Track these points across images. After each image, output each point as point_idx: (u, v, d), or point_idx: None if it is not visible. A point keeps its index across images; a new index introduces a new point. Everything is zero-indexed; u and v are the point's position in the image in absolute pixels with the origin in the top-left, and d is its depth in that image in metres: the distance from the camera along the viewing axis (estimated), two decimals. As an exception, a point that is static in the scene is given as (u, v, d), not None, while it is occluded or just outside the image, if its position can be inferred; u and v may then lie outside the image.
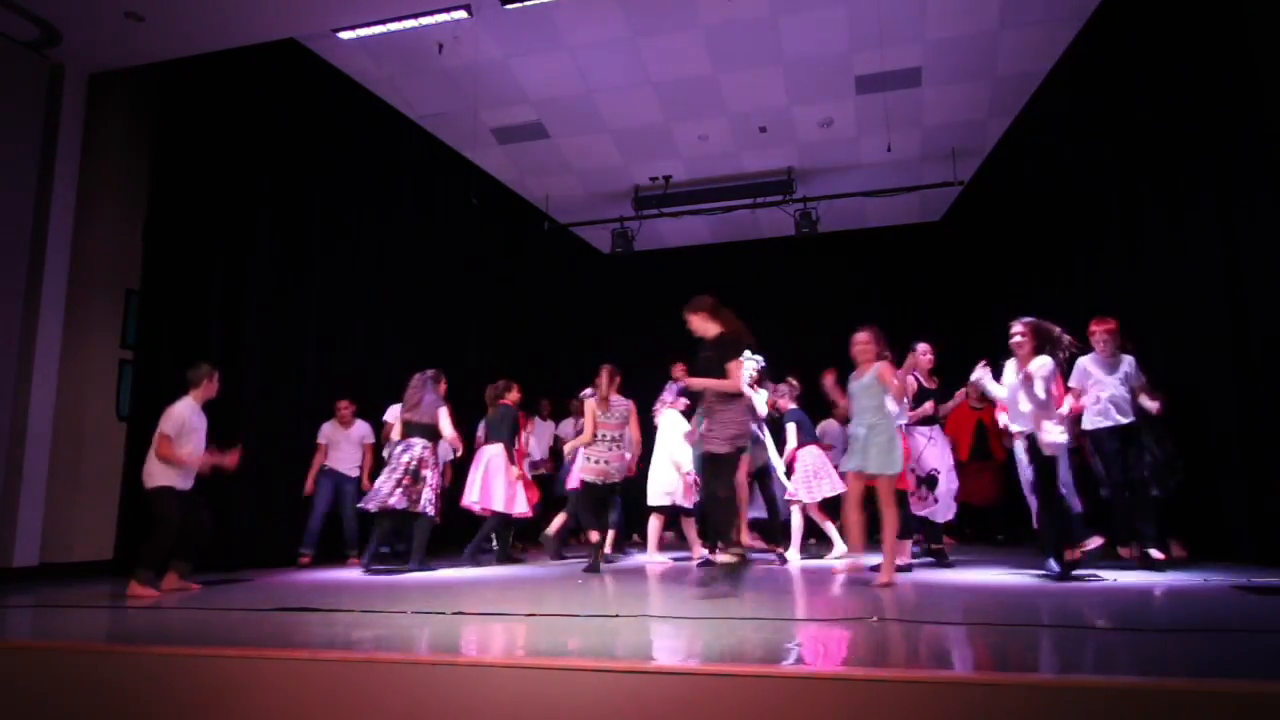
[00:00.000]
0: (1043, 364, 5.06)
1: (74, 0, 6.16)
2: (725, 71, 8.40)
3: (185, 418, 5.29)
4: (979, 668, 2.65)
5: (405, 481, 6.32)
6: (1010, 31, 7.68)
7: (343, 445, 7.37)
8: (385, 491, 6.31)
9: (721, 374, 4.66)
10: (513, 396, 7.45)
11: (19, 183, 6.51)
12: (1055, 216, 8.53)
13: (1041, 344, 5.15)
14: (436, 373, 6.83)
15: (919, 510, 6.01)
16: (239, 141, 7.29)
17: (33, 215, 6.59)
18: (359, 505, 6.79)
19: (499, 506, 7.05)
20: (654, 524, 7.30)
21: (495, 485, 7.04)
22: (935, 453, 6.06)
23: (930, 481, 5.97)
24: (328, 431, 7.37)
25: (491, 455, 7.15)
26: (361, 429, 7.46)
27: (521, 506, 7.19)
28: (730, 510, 4.66)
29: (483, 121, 9.19)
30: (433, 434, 6.55)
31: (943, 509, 6.09)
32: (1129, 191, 7.12)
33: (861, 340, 5.17)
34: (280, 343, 7.48)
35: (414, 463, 6.37)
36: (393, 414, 7.45)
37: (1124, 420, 5.67)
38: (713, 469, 4.72)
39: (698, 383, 4.71)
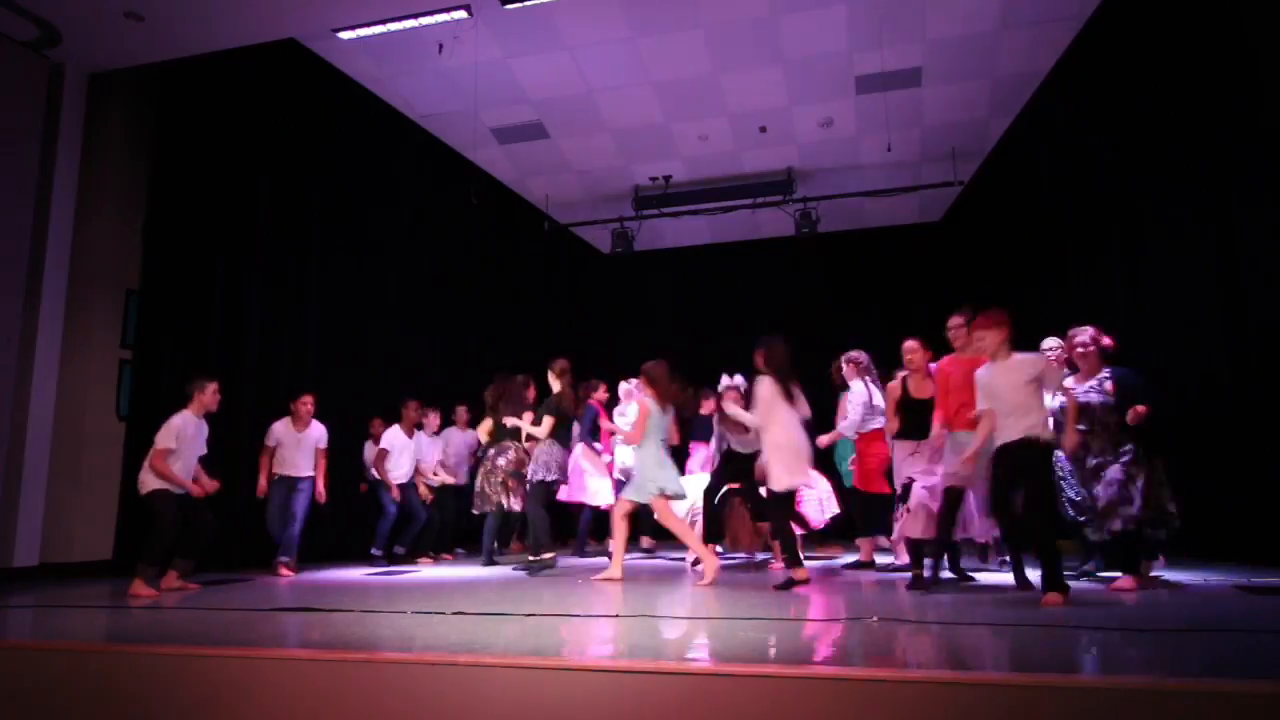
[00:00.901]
0: (762, 384, 5.13)
1: (74, 0, 6.16)
2: (725, 71, 8.40)
3: (180, 430, 5.34)
4: (979, 668, 2.65)
5: (512, 485, 6.70)
6: (1010, 31, 7.68)
7: (295, 449, 6.56)
8: (493, 496, 6.69)
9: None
10: (599, 395, 7.75)
11: (19, 183, 6.51)
12: (1055, 217, 8.53)
13: (770, 364, 5.21)
14: (526, 378, 7.08)
15: (909, 532, 5.14)
16: (239, 141, 7.29)
17: (33, 215, 6.58)
18: (474, 511, 6.92)
19: (581, 498, 7.61)
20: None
21: (580, 480, 7.52)
22: (916, 462, 5.27)
23: (903, 493, 5.29)
24: (279, 433, 6.58)
25: (578, 453, 7.56)
26: (317, 431, 6.68)
27: (598, 499, 7.61)
28: (541, 524, 6.29)
29: (483, 121, 9.19)
30: (519, 434, 6.86)
31: (910, 524, 5.05)
32: (1128, 192, 7.13)
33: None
34: (280, 342, 7.48)
35: (511, 464, 6.73)
36: (389, 439, 7.44)
37: (1010, 437, 4.29)
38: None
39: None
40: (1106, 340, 5.02)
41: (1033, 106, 8.80)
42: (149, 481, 5.29)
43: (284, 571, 6.36)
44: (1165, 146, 6.55)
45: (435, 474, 7.94)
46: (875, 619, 3.52)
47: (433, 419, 8.03)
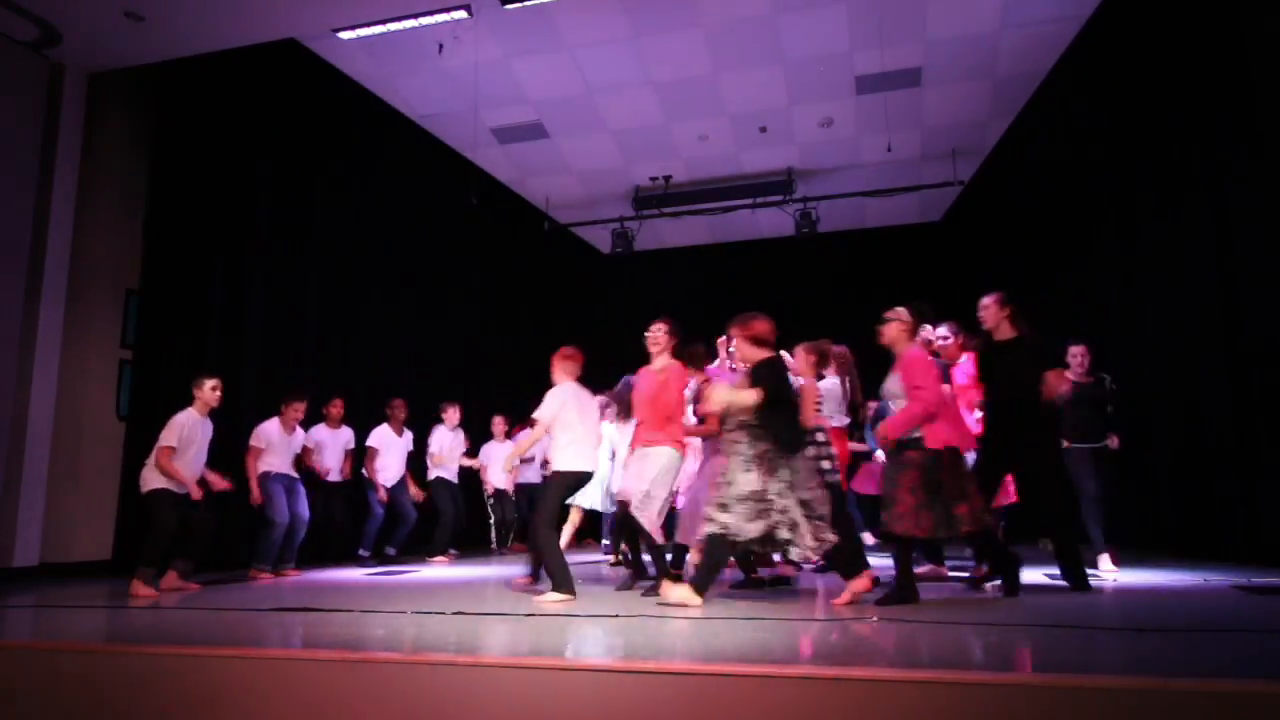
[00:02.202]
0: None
1: (74, 0, 6.16)
2: (725, 71, 8.40)
3: (185, 427, 5.35)
4: (979, 668, 2.65)
5: None
6: (1010, 31, 7.68)
7: (283, 451, 6.45)
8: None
9: None
10: None
11: (19, 183, 6.51)
12: (1054, 217, 8.53)
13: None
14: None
15: None
16: (239, 141, 7.29)
17: (33, 215, 6.58)
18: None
19: None
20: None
21: None
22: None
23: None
24: (271, 432, 6.40)
25: None
26: (300, 435, 6.68)
27: None
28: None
29: (483, 121, 9.19)
30: None
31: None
32: (1127, 192, 7.13)
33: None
34: (280, 342, 7.48)
35: None
36: (376, 438, 7.45)
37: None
38: None
39: None
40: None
41: (1033, 106, 8.80)
42: (150, 480, 5.29)
43: (289, 573, 6.38)
44: (1164, 146, 6.55)
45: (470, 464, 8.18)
46: (875, 619, 3.52)
47: (452, 413, 8.05)
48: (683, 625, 3.58)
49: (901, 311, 4.49)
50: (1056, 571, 5.29)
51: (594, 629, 3.51)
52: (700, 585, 4.13)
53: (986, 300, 4.91)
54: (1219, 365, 5.88)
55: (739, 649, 2.93)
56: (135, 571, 5.09)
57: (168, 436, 5.29)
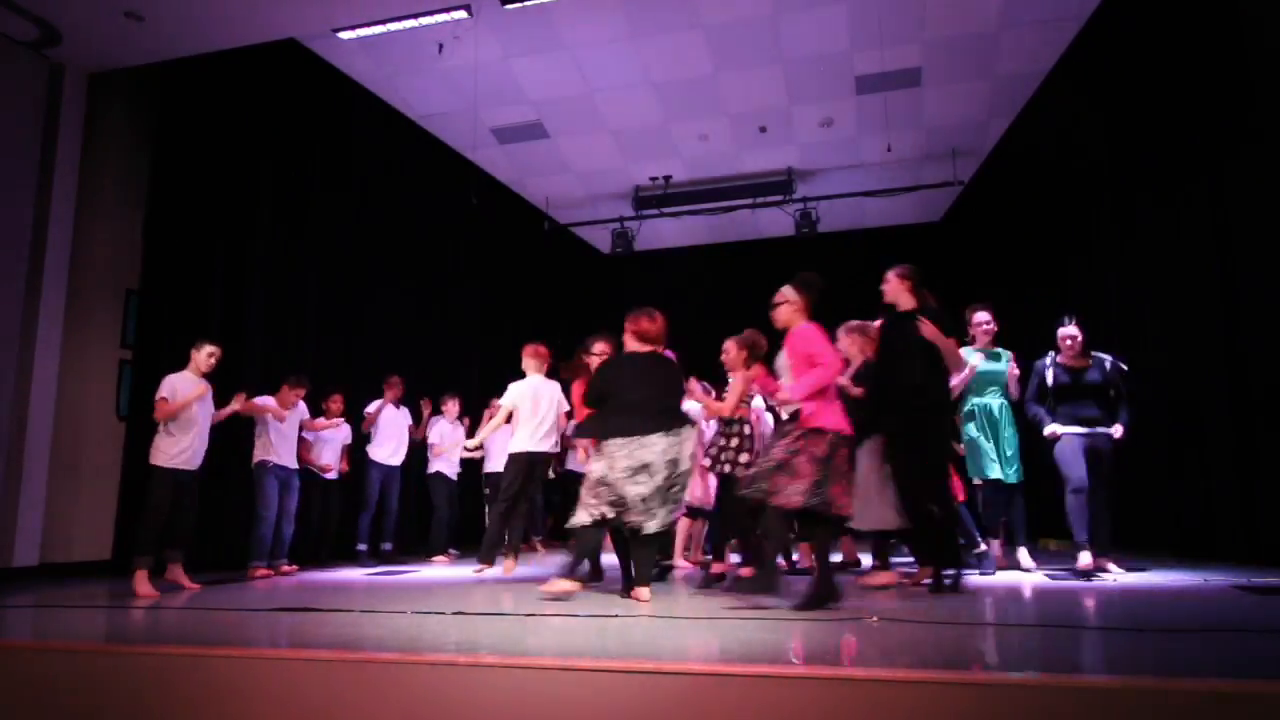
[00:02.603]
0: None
1: (74, 0, 6.16)
2: (725, 71, 8.40)
3: (175, 386, 5.39)
4: (979, 668, 2.65)
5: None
6: (1010, 31, 7.68)
7: (284, 427, 6.36)
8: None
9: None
10: None
11: (19, 183, 6.51)
12: (1054, 217, 8.53)
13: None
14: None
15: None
16: (239, 142, 7.29)
17: (33, 215, 6.58)
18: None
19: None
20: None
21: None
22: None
23: None
24: (267, 400, 6.34)
25: None
26: (303, 408, 6.62)
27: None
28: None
29: (483, 121, 9.19)
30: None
31: None
32: (1127, 192, 7.13)
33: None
34: (280, 342, 7.48)
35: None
36: (373, 406, 7.50)
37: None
38: None
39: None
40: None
41: (1033, 106, 8.80)
42: (158, 452, 5.29)
43: (285, 569, 6.38)
44: (1164, 145, 6.55)
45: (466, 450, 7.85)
46: (875, 619, 3.52)
47: (452, 405, 8.04)
48: (682, 625, 3.58)
49: (786, 291, 4.50)
50: (1056, 571, 5.31)
51: (593, 629, 3.51)
52: (576, 564, 4.40)
53: (889, 274, 4.81)
54: (1219, 365, 5.88)
55: (739, 649, 2.93)
56: (133, 562, 5.10)
57: (159, 392, 5.35)
